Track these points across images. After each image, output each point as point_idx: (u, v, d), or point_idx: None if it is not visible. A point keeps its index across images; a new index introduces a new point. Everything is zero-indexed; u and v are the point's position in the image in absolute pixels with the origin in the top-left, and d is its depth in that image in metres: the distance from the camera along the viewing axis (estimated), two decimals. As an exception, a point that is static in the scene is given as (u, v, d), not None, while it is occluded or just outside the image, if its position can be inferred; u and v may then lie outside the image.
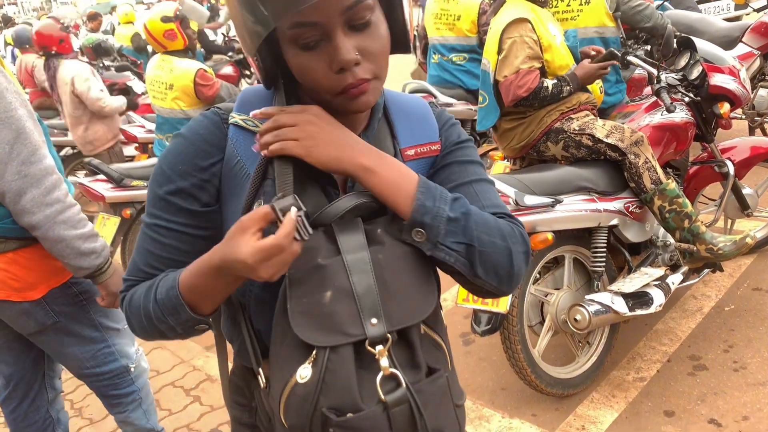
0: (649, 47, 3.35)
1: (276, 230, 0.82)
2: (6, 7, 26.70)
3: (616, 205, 2.72)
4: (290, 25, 0.85)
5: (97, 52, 7.38)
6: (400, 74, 6.53)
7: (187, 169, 0.97)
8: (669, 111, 2.83)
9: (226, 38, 8.57)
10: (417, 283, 0.90)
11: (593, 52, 2.87)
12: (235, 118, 0.98)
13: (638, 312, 2.64)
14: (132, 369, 2.24)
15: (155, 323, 0.95)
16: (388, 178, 0.91)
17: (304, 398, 0.83)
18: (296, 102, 0.98)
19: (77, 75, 4.74)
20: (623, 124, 2.91)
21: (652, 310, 2.66)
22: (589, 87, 3.11)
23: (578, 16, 3.58)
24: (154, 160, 4.48)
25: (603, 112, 3.40)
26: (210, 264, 0.88)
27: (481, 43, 4.59)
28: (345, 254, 0.87)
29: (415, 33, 6.57)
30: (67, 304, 2.00)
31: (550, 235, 2.48)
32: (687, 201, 2.77)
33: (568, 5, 3.55)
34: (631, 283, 2.73)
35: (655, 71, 3.03)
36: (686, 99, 3.05)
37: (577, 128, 2.82)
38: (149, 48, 7.45)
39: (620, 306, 2.60)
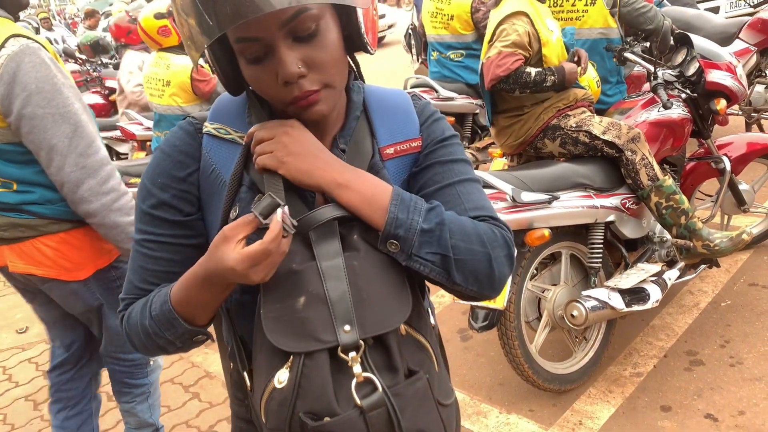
0: (648, 44, 3.36)
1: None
2: None
3: (613, 201, 2.73)
4: (235, 40, 0.85)
5: (95, 50, 7.36)
6: (396, 69, 6.54)
7: (166, 182, 0.97)
8: (666, 107, 2.84)
9: None
10: (392, 289, 0.89)
11: (580, 57, 2.89)
12: (208, 127, 0.99)
13: (635, 308, 2.65)
14: (151, 363, 2.36)
15: (153, 339, 0.95)
16: (362, 193, 0.90)
17: (281, 403, 0.83)
18: (268, 109, 0.99)
19: (127, 65, 5.32)
20: (620, 120, 2.91)
21: (648, 305, 2.67)
22: (585, 82, 3.12)
23: (583, 16, 3.58)
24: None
25: (601, 113, 3.41)
26: (197, 276, 0.89)
27: (479, 39, 4.60)
28: (320, 260, 0.87)
29: (410, 32, 6.59)
30: (106, 287, 2.13)
31: (547, 232, 2.49)
32: (684, 197, 2.78)
33: (573, 5, 3.55)
34: (627, 279, 2.74)
35: (652, 68, 3.04)
36: (683, 95, 3.06)
37: (574, 125, 2.83)
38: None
39: (617, 302, 2.61)
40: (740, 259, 3.57)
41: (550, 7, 3.40)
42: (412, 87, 4.85)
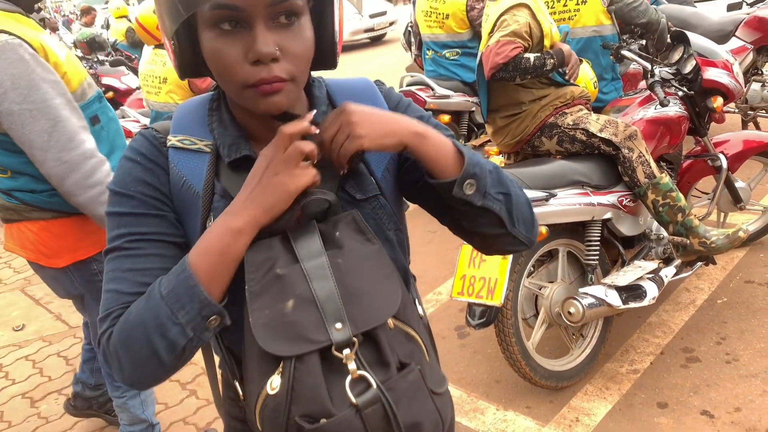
0: (644, 41, 3.36)
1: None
2: None
3: (610, 198, 2.74)
4: (212, 6, 0.82)
5: (91, 47, 7.36)
6: (397, 68, 6.55)
7: (140, 186, 0.95)
8: (662, 105, 2.85)
9: None
10: (379, 283, 0.89)
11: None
12: (173, 140, 0.97)
13: (632, 305, 2.66)
14: None
15: (161, 332, 0.85)
16: (437, 139, 0.93)
17: (275, 409, 0.82)
18: (227, 114, 0.98)
19: None
20: (617, 118, 2.92)
21: (645, 302, 2.68)
22: (582, 83, 3.13)
23: (575, 15, 3.59)
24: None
25: (598, 111, 3.42)
26: (230, 228, 0.87)
27: (474, 37, 4.61)
28: (303, 261, 0.87)
29: (410, 29, 6.59)
30: (87, 279, 2.17)
31: (544, 229, 2.49)
32: (680, 195, 2.79)
33: (564, 5, 3.56)
34: (624, 276, 2.75)
35: (648, 65, 3.05)
36: (680, 93, 3.07)
37: (571, 123, 2.83)
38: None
39: (614, 299, 2.62)
40: (736, 257, 3.58)
41: None
42: (407, 85, 4.85)
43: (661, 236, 3.01)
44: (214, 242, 0.88)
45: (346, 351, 0.83)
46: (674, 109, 3.02)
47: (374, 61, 9.65)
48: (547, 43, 2.84)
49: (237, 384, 0.99)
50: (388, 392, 0.83)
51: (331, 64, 0.98)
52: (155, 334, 0.85)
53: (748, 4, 5.34)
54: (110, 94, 6.63)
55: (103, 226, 1.97)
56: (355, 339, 0.84)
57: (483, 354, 3.13)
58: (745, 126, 5.05)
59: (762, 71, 4.84)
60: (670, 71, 3.09)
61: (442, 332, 3.35)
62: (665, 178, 2.75)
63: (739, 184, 3.35)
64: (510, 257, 2.40)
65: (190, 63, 0.94)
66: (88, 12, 10.41)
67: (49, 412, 3.13)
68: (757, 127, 5.07)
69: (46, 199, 2.01)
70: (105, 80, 6.74)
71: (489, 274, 2.41)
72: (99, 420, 2.96)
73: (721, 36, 4.56)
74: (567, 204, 2.58)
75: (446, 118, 4.68)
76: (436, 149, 0.92)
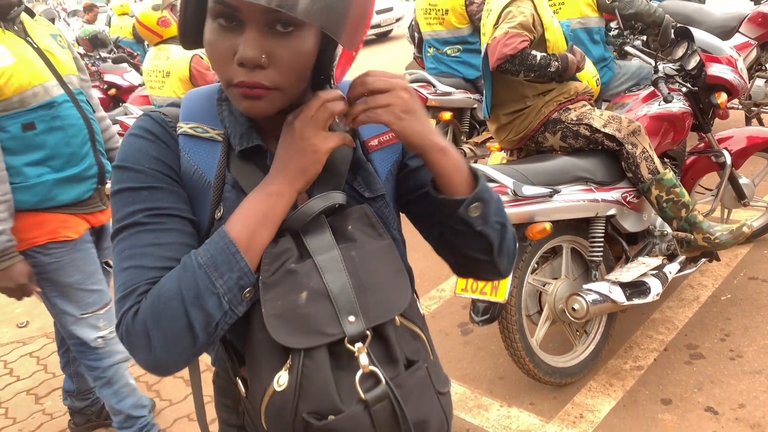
0: (645, 37, 3.36)
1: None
2: None
3: (614, 195, 2.73)
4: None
5: (93, 44, 7.36)
6: (403, 64, 6.54)
7: (152, 162, 0.92)
8: (666, 101, 2.84)
9: None
10: (391, 277, 0.90)
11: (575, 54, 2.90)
12: (183, 127, 0.96)
13: (636, 301, 2.65)
14: (97, 347, 2.42)
15: (199, 304, 0.82)
16: (455, 159, 0.93)
17: (282, 406, 0.82)
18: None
19: None
20: (621, 114, 2.91)
21: (649, 299, 2.68)
22: (585, 80, 3.12)
23: (560, 9, 3.60)
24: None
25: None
26: (270, 192, 0.88)
27: (474, 32, 4.60)
28: (315, 255, 0.87)
29: (413, 23, 6.58)
30: (37, 270, 2.27)
31: (548, 225, 2.49)
32: (684, 190, 2.78)
33: None
34: (628, 272, 2.74)
35: (652, 61, 3.04)
36: (683, 89, 3.06)
37: (574, 118, 2.83)
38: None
39: (618, 295, 2.61)
40: (740, 253, 3.58)
41: None
42: (409, 82, 4.84)
43: (665, 232, 3.00)
44: (255, 208, 0.87)
45: (359, 344, 0.83)
46: (678, 105, 3.01)
47: (380, 58, 9.64)
48: (548, 36, 2.83)
49: (239, 381, 0.97)
50: (396, 389, 0.83)
51: (327, 80, 0.95)
52: (193, 306, 0.82)
53: (752, 1, 5.32)
54: (113, 91, 6.63)
55: None
56: (368, 332, 0.84)
57: (487, 350, 3.13)
58: (749, 122, 5.04)
59: (766, 67, 4.83)
60: (673, 67, 3.09)
61: (446, 329, 3.35)
62: (669, 174, 2.74)
63: (743, 181, 3.34)
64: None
65: (193, 34, 0.93)
66: (90, 9, 10.41)
67: (53, 409, 3.14)
68: (761, 123, 5.06)
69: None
70: (107, 77, 6.74)
71: (493, 271, 2.41)
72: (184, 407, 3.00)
73: (725, 32, 4.55)
74: (571, 200, 2.58)
75: (448, 115, 4.66)
76: (452, 165, 0.92)
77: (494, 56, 2.75)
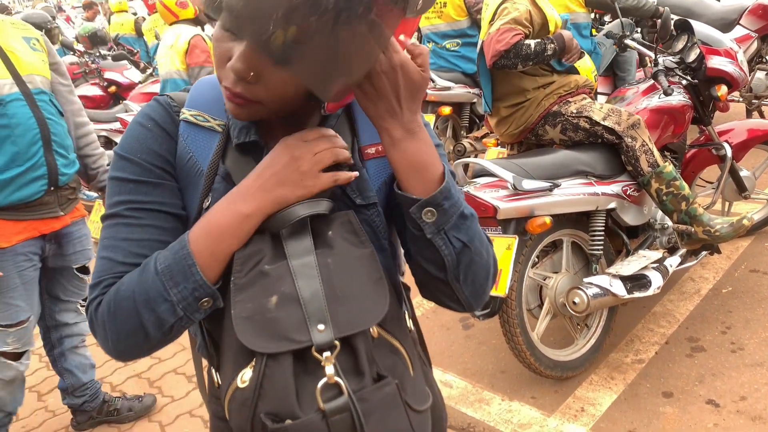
0: (639, 29, 3.35)
1: None
2: None
3: (614, 188, 2.73)
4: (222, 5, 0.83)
5: (93, 41, 7.34)
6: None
7: (146, 153, 0.94)
8: (666, 94, 2.84)
9: None
10: (368, 287, 0.86)
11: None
12: (186, 114, 0.97)
13: (636, 294, 2.66)
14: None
15: (149, 307, 0.85)
16: (424, 149, 0.90)
17: (243, 403, 0.81)
18: None
19: None
20: (620, 107, 2.91)
21: (650, 292, 2.68)
22: (582, 71, 3.12)
23: None
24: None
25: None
26: (239, 213, 0.87)
27: (473, 25, 4.60)
28: (290, 259, 0.85)
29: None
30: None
31: (548, 219, 2.49)
32: (684, 183, 2.78)
33: None
34: (629, 265, 2.74)
35: (652, 54, 3.03)
36: (684, 82, 3.05)
37: (574, 111, 2.82)
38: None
39: (618, 289, 2.61)
40: (741, 246, 3.58)
41: None
42: None
43: (666, 226, 3.00)
44: (219, 224, 0.87)
45: (327, 354, 0.81)
46: (678, 98, 3.01)
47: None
48: (551, 29, 2.83)
49: (215, 373, 0.97)
50: (359, 402, 0.80)
51: (319, 107, 0.95)
52: (144, 308, 0.85)
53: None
54: (113, 88, 6.62)
55: None
56: (336, 342, 0.81)
57: (488, 345, 3.14)
58: (749, 114, 5.03)
59: (766, 59, 4.82)
60: (673, 60, 3.08)
61: (447, 323, 3.35)
62: (669, 167, 2.74)
63: (743, 173, 3.34)
64: (515, 247, 2.40)
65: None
66: (90, 6, 10.40)
67: (56, 406, 3.14)
68: (762, 116, 5.05)
69: None
70: (107, 74, 6.72)
71: (493, 265, 2.41)
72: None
73: (725, 24, 4.54)
74: (571, 194, 2.58)
75: (447, 110, 4.66)
76: (416, 157, 0.89)
77: (489, 53, 2.77)
